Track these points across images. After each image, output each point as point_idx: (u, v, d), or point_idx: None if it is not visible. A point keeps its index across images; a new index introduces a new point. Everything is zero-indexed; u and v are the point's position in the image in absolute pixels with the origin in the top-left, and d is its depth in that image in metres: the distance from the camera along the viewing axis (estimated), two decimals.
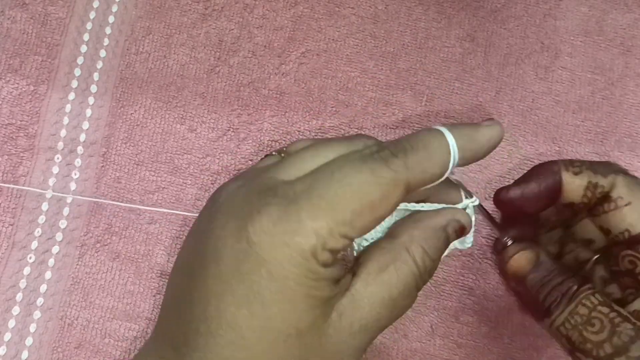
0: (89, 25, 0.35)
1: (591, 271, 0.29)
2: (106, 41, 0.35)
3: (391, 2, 0.37)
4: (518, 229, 0.29)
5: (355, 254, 0.27)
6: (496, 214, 0.34)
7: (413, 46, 0.36)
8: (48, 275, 0.33)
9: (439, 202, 0.28)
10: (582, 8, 0.37)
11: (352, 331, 0.24)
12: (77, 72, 0.35)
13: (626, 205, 0.26)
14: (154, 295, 0.33)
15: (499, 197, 0.29)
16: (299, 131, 0.35)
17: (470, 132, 0.26)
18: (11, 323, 0.32)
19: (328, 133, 0.35)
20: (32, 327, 0.33)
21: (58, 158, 0.34)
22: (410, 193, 0.25)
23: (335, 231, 0.23)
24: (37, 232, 0.33)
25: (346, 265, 0.26)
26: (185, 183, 0.34)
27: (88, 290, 0.33)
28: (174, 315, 0.26)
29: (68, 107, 0.34)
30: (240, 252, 0.23)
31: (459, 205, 0.28)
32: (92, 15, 0.35)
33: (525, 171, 0.31)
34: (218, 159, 0.35)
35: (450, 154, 0.25)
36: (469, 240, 0.29)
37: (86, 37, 0.35)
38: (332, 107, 0.36)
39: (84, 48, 0.35)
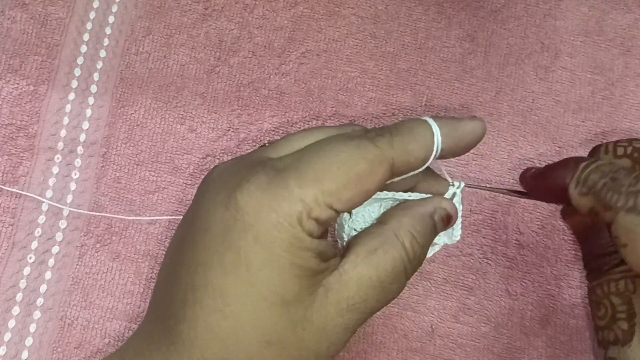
0: (89, 25, 0.35)
1: None
2: (106, 41, 0.35)
3: (391, 2, 0.37)
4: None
5: (344, 244, 0.28)
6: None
7: (413, 46, 0.36)
8: (48, 275, 0.33)
9: (426, 193, 0.29)
10: (582, 8, 0.37)
11: (339, 308, 0.24)
12: (77, 72, 0.35)
13: (623, 246, 0.26)
14: None
15: (521, 177, 0.29)
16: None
17: (454, 122, 0.27)
18: (11, 323, 0.32)
19: None
20: (32, 327, 0.33)
21: (58, 158, 0.34)
22: (396, 176, 0.26)
23: (321, 200, 0.24)
24: (37, 232, 0.33)
25: (335, 248, 0.27)
26: (185, 183, 0.34)
27: (88, 290, 0.33)
28: (163, 292, 0.26)
29: (68, 107, 0.34)
30: (229, 219, 0.24)
31: (446, 195, 0.29)
32: (92, 15, 0.35)
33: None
34: (218, 159, 0.35)
35: (433, 140, 0.26)
36: (457, 234, 0.29)
37: (86, 37, 0.35)
38: (332, 107, 0.36)
39: (84, 48, 0.35)
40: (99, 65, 0.35)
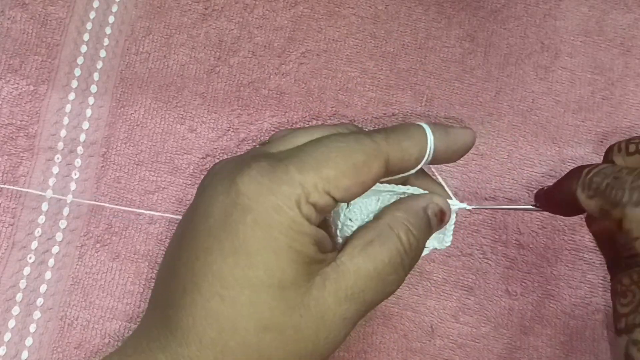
0: (89, 25, 0.35)
1: None
2: (106, 41, 0.35)
3: (391, 2, 0.37)
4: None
5: (339, 233, 0.28)
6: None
7: (413, 46, 0.36)
8: (48, 275, 0.33)
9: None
10: (582, 8, 0.37)
11: (337, 298, 0.25)
12: (77, 72, 0.35)
13: (636, 239, 0.26)
14: None
15: (536, 197, 0.30)
16: None
17: (446, 128, 0.28)
18: (11, 323, 0.32)
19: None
20: (32, 327, 0.33)
21: (58, 158, 0.34)
22: (391, 174, 0.27)
23: (319, 186, 0.24)
24: (37, 232, 0.33)
25: (333, 241, 0.27)
26: (185, 183, 0.34)
27: (88, 290, 0.33)
28: (162, 286, 0.27)
29: (68, 107, 0.34)
30: (229, 204, 0.24)
31: (452, 202, 0.29)
32: (92, 15, 0.35)
33: (525, 171, 0.31)
34: (218, 159, 0.35)
35: (427, 141, 0.27)
36: (447, 239, 0.30)
37: (86, 37, 0.35)
38: (332, 107, 0.36)
39: (84, 48, 0.35)
40: (99, 65, 0.35)
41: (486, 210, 0.35)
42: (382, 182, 0.28)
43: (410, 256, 0.27)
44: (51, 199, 0.33)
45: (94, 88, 0.35)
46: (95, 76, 0.35)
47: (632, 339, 0.27)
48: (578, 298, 0.34)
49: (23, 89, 0.34)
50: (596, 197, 0.27)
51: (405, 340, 0.34)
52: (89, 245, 0.33)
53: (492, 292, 0.34)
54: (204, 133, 0.35)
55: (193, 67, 0.35)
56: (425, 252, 0.29)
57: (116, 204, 0.34)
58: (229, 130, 0.35)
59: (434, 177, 0.31)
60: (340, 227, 0.28)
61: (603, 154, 0.36)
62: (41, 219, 0.33)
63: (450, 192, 0.30)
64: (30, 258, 0.33)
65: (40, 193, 0.33)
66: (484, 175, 0.35)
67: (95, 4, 0.35)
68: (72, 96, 0.34)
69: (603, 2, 0.37)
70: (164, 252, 0.34)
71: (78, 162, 0.34)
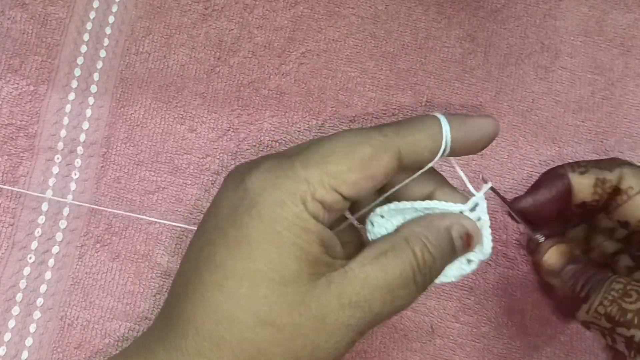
0: (89, 25, 0.35)
1: (616, 260, 0.30)
2: (106, 41, 0.35)
3: (391, 2, 0.37)
4: (546, 228, 0.29)
5: None
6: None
7: (413, 46, 0.36)
8: (48, 275, 0.33)
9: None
10: (582, 8, 0.37)
11: (341, 302, 0.24)
12: (77, 72, 0.35)
13: (637, 193, 0.27)
14: (154, 295, 0.33)
15: (514, 208, 0.28)
16: (299, 131, 0.35)
17: (464, 117, 0.27)
18: (11, 323, 0.32)
19: (328, 133, 0.35)
20: (32, 328, 0.33)
21: (58, 158, 0.34)
22: (406, 167, 0.26)
23: (326, 182, 0.24)
24: (37, 232, 0.33)
25: (346, 249, 0.26)
26: (185, 183, 0.34)
27: (88, 290, 0.33)
28: (174, 279, 0.27)
29: (68, 107, 0.34)
30: (237, 199, 0.24)
31: (473, 198, 0.27)
32: (92, 15, 0.35)
33: (525, 171, 0.31)
34: (218, 159, 0.35)
35: (442, 132, 0.26)
36: (487, 247, 0.28)
37: (86, 37, 0.35)
38: (332, 107, 0.36)
39: (84, 48, 0.35)
40: (99, 65, 0.35)
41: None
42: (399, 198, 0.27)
43: (423, 273, 0.25)
44: (51, 199, 0.33)
45: (94, 88, 0.35)
46: (95, 76, 0.35)
47: None
48: None
49: (23, 89, 0.34)
50: (589, 170, 0.27)
51: (406, 340, 0.34)
52: (89, 245, 0.33)
53: (492, 292, 0.34)
54: (204, 133, 0.35)
55: (193, 67, 0.35)
56: (473, 266, 0.28)
57: (116, 204, 0.34)
58: (229, 130, 0.35)
59: (456, 170, 0.28)
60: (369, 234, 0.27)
61: (603, 154, 0.36)
62: (41, 219, 0.33)
63: (471, 187, 0.27)
64: (30, 258, 0.33)
65: (40, 195, 0.33)
66: (484, 176, 0.35)
67: (95, 4, 0.35)
68: (72, 96, 0.34)
69: (603, 2, 0.37)
70: (163, 252, 0.34)
71: (78, 162, 0.34)
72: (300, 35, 0.36)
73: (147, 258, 0.34)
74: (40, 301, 0.33)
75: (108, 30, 0.35)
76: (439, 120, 0.26)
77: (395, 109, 0.36)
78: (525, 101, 0.36)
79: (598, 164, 0.28)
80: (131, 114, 0.35)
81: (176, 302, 0.25)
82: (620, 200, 0.27)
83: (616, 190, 0.27)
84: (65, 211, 0.34)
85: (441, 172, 0.28)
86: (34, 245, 0.33)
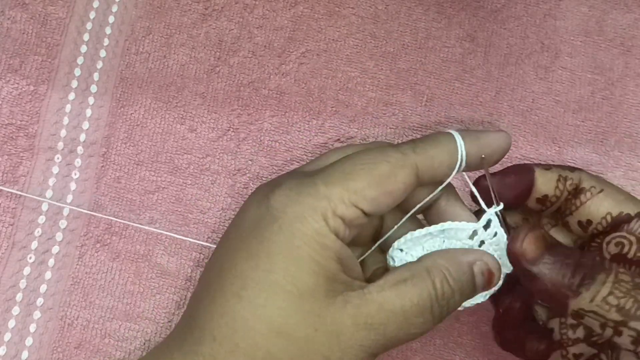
0: (89, 25, 0.35)
1: None
2: (106, 41, 0.35)
3: (391, 2, 0.37)
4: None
5: None
6: None
7: (413, 46, 0.36)
8: (48, 275, 0.33)
9: (449, 216, 0.28)
10: (582, 8, 0.37)
11: (356, 322, 0.24)
12: (77, 72, 0.35)
13: (600, 192, 0.28)
14: (154, 295, 0.33)
15: (477, 185, 0.29)
16: (299, 131, 0.35)
17: (477, 132, 0.28)
18: (11, 323, 0.32)
19: (328, 133, 0.35)
20: (32, 327, 0.33)
21: (58, 158, 0.34)
22: (424, 183, 0.27)
23: (346, 198, 0.25)
24: (37, 232, 0.33)
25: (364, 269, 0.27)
26: (185, 183, 0.34)
27: (88, 290, 0.33)
28: (195, 290, 0.28)
29: (68, 107, 0.34)
30: (259, 214, 0.26)
31: (483, 218, 0.28)
32: (92, 15, 0.35)
33: None
34: (218, 159, 0.35)
35: (457, 147, 0.27)
36: (509, 265, 0.28)
37: (86, 37, 0.35)
38: (332, 107, 0.36)
39: (84, 48, 0.35)
40: (99, 65, 0.35)
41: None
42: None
43: (441, 305, 0.26)
44: (51, 198, 0.33)
45: (94, 88, 0.35)
46: (95, 76, 0.35)
47: None
48: None
49: (23, 89, 0.34)
50: (552, 167, 0.28)
51: None
52: (89, 245, 0.33)
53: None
54: (204, 133, 0.35)
55: (193, 67, 0.35)
56: (500, 283, 0.28)
57: (116, 204, 0.34)
58: (229, 130, 0.35)
59: (466, 183, 0.29)
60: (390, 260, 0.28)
61: (603, 154, 0.36)
62: (41, 219, 0.33)
63: (482, 202, 0.28)
64: (30, 258, 0.33)
65: (39, 199, 0.33)
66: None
67: (95, 4, 0.35)
68: (72, 96, 0.34)
69: (603, 2, 0.37)
70: (163, 252, 0.34)
71: (78, 162, 0.34)
72: (300, 35, 0.36)
73: (147, 258, 0.34)
74: (40, 301, 0.33)
75: (108, 30, 0.35)
76: (453, 136, 0.27)
77: (395, 109, 0.36)
78: (525, 101, 0.36)
79: (561, 166, 0.29)
80: (131, 113, 0.35)
81: (195, 310, 0.26)
82: (583, 199, 0.28)
83: (578, 190, 0.28)
84: (65, 211, 0.34)
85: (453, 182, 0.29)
86: (34, 245, 0.33)
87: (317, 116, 0.35)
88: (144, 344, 0.33)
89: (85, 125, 0.34)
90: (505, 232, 0.28)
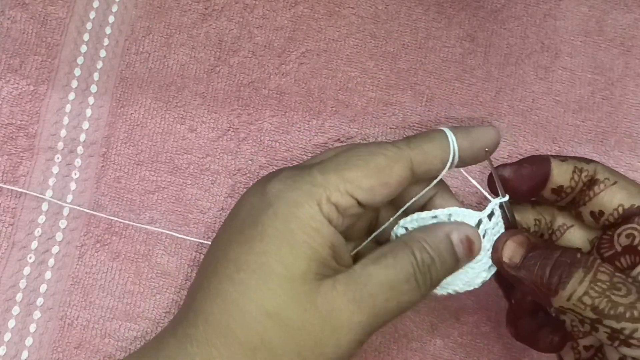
0: (89, 25, 0.35)
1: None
2: (106, 41, 0.35)
3: (391, 2, 0.37)
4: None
5: None
6: None
7: (413, 46, 0.36)
8: (48, 275, 0.33)
9: (440, 208, 0.29)
10: (582, 8, 0.37)
11: (346, 298, 0.25)
12: (77, 72, 0.35)
13: (613, 184, 0.28)
14: (154, 295, 0.33)
15: (492, 176, 0.30)
16: (299, 131, 0.35)
17: (468, 128, 0.29)
18: (11, 323, 0.32)
19: (328, 133, 0.35)
20: (32, 327, 0.32)
21: (58, 158, 0.34)
22: (420, 176, 0.27)
23: (341, 186, 0.25)
24: (37, 232, 0.33)
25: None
26: (185, 183, 0.34)
27: (88, 290, 0.33)
28: (191, 284, 0.28)
29: (68, 107, 0.34)
30: (255, 201, 0.26)
31: (488, 208, 0.28)
32: (92, 15, 0.35)
33: None
34: (218, 158, 0.35)
35: (449, 143, 0.28)
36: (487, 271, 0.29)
37: (86, 37, 0.35)
38: (332, 107, 0.36)
39: (84, 48, 0.35)
40: (99, 65, 0.35)
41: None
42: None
43: (423, 272, 0.26)
44: (51, 197, 0.33)
45: (94, 88, 0.35)
46: (95, 76, 0.35)
47: None
48: None
49: (23, 89, 0.34)
50: (568, 159, 0.29)
51: (406, 340, 0.34)
52: (89, 245, 0.33)
53: (492, 291, 0.34)
54: (204, 133, 0.35)
55: (193, 67, 0.35)
56: (492, 270, 0.28)
57: (116, 204, 0.34)
58: (229, 130, 0.35)
59: (469, 180, 0.30)
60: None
61: (603, 154, 0.36)
62: (41, 219, 0.33)
63: (485, 192, 0.29)
64: (30, 258, 0.33)
65: (40, 196, 0.33)
66: (485, 176, 0.35)
67: (95, 4, 0.35)
68: (72, 96, 0.34)
69: (603, 2, 0.37)
70: (163, 252, 0.34)
71: (78, 162, 0.34)
72: (300, 35, 0.36)
73: (147, 258, 0.34)
74: (40, 301, 0.33)
75: (108, 30, 0.35)
76: (445, 133, 0.28)
77: (395, 108, 0.36)
78: (525, 101, 0.36)
79: (577, 158, 0.30)
80: (131, 113, 0.35)
81: (191, 297, 0.27)
82: (597, 190, 0.28)
83: (593, 181, 0.28)
84: (65, 211, 0.34)
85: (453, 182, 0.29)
86: (34, 245, 0.33)
87: (317, 116, 0.35)
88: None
89: (85, 125, 0.34)
90: (511, 222, 0.29)
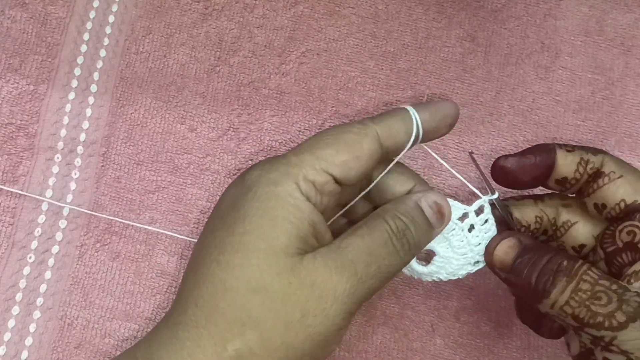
0: (89, 25, 0.35)
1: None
2: (106, 41, 0.35)
3: (391, 2, 0.37)
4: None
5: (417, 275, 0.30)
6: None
7: (413, 46, 0.36)
8: (48, 275, 0.33)
9: (391, 188, 0.30)
10: (582, 8, 0.37)
11: (327, 267, 0.26)
12: (77, 71, 0.35)
13: (619, 177, 0.28)
14: (154, 295, 0.33)
15: (498, 164, 0.30)
16: (299, 131, 0.35)
17: (427, 103, 0.30)
18: (11, 323, 0.32)
19: None
20: (32, 327, 0.32)
21: (58, 158, 0.34)
22: (388, 150, 0.28)
23: (316, 165, 0.27)
24: (37, 231, 0.33)
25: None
26: (185, 183, 0.34)
27: (88, 290, 0.33)
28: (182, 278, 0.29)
29: (68, 107, 0.34)
30: (236, 190, 0.27)
31: (475, 204, 0.29)
32: (92, 14, 0.35)
33: None
34: (218, 158, 0.35)
35: (412, 117, 0.29)
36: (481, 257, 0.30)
37: (86, 36, 0.35)
38: (332, 107, 0.36)
39: (84, 47, 0.35)
40: (99, 64, 0.35)
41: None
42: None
43: (399, 237, 0.27)
44: (51, 198, 0.33)
45: (94, 87, 0.35)
46: (95, 76, 0.35)
47: None
48: None
49: (23, 89, 0.34)
50: (575, 149, 0.29)
51: (406, 340, 0.34)
52: (89, 245, 0.33)
53: (492, 291, 0.34)
54: (204, 132, 0.35)
55: (193, 66, 0.35)
56: (480, 265, 0.29)
57: (116, 204, 0.34)
58: (229, 129, 0.35)
59: (455, 176, 0.31)
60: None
61: None
62: (41, 219, 0.33)
63: (474, 189, 0.30)
64: (30, 258, 0.33)
65: (39, 198, 0.33)
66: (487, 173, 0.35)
67: (95, 4, 0.35)
68: (72, 96, 0.34)
69: (603, 2, 0.37)
70: (163, 252, 0.34)
71: (78, 161, 0.34)
72: (300, 34, 0.36)
73: (147, 258, 0.34)
74: (40, 301, 0.33)
75: (108, 30, 0.35)
76: (407, 109, 0.29)
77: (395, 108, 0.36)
78: (526, 101, 0.36)
79: (584, 148, 0.30)
80: (131, 113, 0.35)
81: (181, 288, 0.27)
82: (601, 182, 0.28)
83: (598, 173, 0.29)
84: (65, 211, 0.33)
85: (447, 176, 0.30)
86: (34, 244, 0.33)
87: (317, 116, 0.35)
88: None
89: (85, 124, 0.34)
90: (504, 219, 0.29)
